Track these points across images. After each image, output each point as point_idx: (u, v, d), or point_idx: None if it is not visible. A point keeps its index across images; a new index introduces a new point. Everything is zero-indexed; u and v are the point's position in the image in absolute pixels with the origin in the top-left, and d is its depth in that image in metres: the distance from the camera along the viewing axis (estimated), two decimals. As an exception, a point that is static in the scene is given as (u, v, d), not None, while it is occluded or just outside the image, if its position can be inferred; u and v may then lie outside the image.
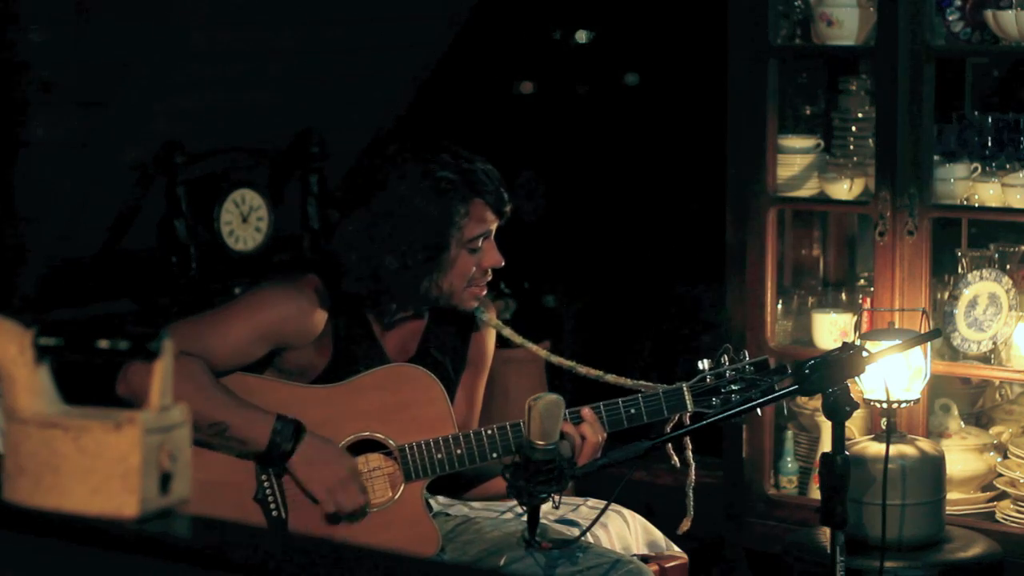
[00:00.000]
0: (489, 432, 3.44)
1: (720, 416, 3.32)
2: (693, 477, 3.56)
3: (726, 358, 3.52)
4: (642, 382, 3.55)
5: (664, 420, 3.48)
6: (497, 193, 3.46)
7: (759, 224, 4.89)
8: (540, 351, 3.64)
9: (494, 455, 3.44)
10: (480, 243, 3.45)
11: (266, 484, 3.41)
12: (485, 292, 3.53)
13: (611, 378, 3.57)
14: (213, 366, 3.33)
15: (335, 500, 3.38)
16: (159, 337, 1.61)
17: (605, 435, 3.45)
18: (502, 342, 3.67)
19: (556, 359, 3.62)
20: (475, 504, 3.85)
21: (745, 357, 3.55)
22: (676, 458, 3.51)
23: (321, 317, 3.43)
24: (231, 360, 3.37)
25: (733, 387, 3.50)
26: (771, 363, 3.59)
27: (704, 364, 3.52)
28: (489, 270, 3.49)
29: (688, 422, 3.46)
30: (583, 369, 3.59)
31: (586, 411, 3.45)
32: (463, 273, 3.45)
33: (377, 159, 3.50)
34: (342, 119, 5.67)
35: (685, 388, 3.49)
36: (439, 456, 3.43)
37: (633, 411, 3.48)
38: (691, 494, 3.57)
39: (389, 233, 3.40)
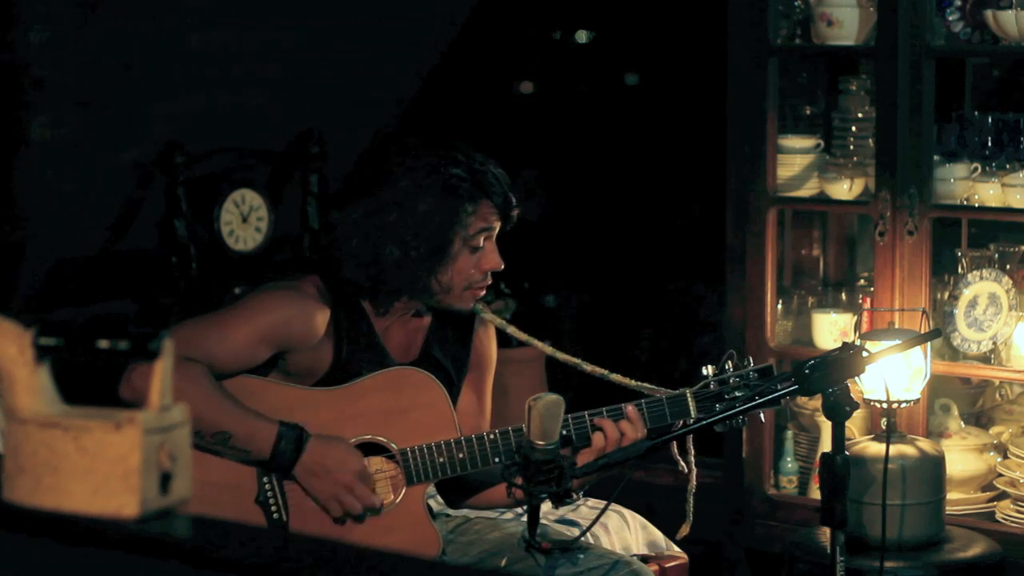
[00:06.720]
0: (491, 436, 3.43)
1: (720, 417, 3.31)
2: (695, 482, 3.55)
3: (730, 364, 3.51)
4: (646, 384, 3.55)
5: (667, 426, 3.47)
6: (505, 196, 3.46)
7: (759, 224, 4.89)
8: (545, 347, 3.63)
9: (496, 459, 3.42)
10: (482, 242, 3.45)
11: (267, 486, 3.40)
12: (484, 294, 3.53)
13: (616, 377, 3.57)
14: (216, 370, 3.32)
15: (341, 507, 3.38)
16: (159, 337, 1.61)
17: (645, 431, 3.44)
18: (503, 341, 3.66)
19: (561, 355, 3.61)
20: (475, 505, 3.84)
21: (749, 363, 3.53)
22: (682, 463, 3.51)
23: (323, 318, 3.42)
24: (234, 364, 3.35)
25: (737, 393, 3.48)
26: (775, 369, 3.58)
27: (708, 370, 3.51)
28: (488, 273, 3.49)
29: (691, 423, 3.45)
30: (588, 367, 3.58)
31: (630, 408, 3.43)
32: (462, 271, 3.44)
33: (391, 147, 3.50)
34: (342, 119, 5.67)
35: (689, 394, 3.48)
36: (441, 460, 3.42)
37: None
38: (691, 499, 3.56)
39: (394, 223, 3.39)
